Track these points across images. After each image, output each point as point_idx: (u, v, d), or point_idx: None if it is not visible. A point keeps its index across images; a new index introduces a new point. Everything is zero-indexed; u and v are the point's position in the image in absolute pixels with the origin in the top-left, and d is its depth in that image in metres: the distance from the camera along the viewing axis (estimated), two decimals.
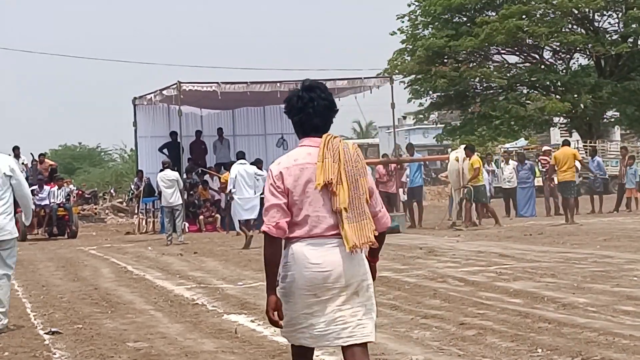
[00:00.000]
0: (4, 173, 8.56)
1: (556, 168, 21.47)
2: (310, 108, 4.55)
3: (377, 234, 4.54)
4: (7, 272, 8.64)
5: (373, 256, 4.72)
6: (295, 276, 4.47)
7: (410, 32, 43.83)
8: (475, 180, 20.80)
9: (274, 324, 4.52)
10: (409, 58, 43.13)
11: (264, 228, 4.49)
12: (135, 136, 27.70)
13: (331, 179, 4.44)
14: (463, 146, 21.96)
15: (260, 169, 23.91)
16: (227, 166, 25.01)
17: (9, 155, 27.47)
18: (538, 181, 28.97)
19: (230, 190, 18.69)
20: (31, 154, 28.31)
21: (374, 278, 4.65)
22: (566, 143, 22.68)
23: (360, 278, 4.52)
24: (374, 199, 4.60)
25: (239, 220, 18.61)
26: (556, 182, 21.95)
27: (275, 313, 4.49)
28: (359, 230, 4.44)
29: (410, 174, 23.30)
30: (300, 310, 4.48)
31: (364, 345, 4.49)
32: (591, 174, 26.07)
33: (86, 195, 38.04)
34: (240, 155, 19.42)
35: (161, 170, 21.05)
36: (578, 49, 42.59)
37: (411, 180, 23.32)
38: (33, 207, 9.30)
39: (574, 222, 20.42)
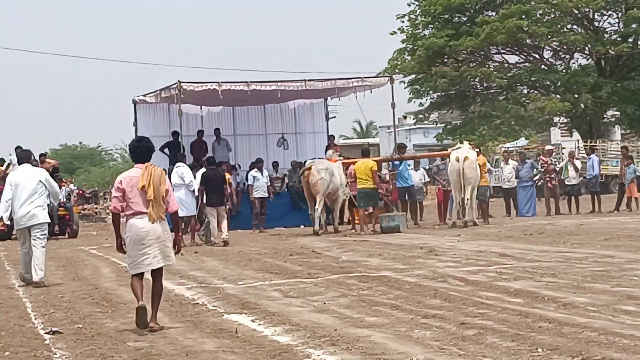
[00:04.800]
0: (40, 181, 13.05)
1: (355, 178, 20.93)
2: (139, 151, 8.73)
3: (167, 213, 8.63)
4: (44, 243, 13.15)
5: (176, 233, 8.82)
6: (132, 235, 8.51)
7: (410, 31, 43.81)
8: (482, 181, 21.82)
9: (121, 252, 8.82)
10: (409, 58, 43.13)
11: (110, 208, 8.79)
12: (135, 136, 27.67)
13: (144, 184, 8.42)
14: (465, 146, 21.89)
15: (261, 169, 23.98)
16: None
17: (10, 155, 27.43)
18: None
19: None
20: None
21: (179, 247, 8.89)
22: (366, 154, 22.01)
23: (164, 236, 8.55)
24: (168, 196, 8.59)
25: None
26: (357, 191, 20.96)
27: (121, 249, 8.75)
28: (156, 212, 8.48)
29: (404, 173, 23.11)
30: (137, 251, 8.51)
31: (160, 268, 8.65)
32: (587, 173, 26.17)
33: (87, 195, 38.09)
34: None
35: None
36: (578, 48, 42.59)
37: (406, 179, 23.13)
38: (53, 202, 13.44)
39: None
